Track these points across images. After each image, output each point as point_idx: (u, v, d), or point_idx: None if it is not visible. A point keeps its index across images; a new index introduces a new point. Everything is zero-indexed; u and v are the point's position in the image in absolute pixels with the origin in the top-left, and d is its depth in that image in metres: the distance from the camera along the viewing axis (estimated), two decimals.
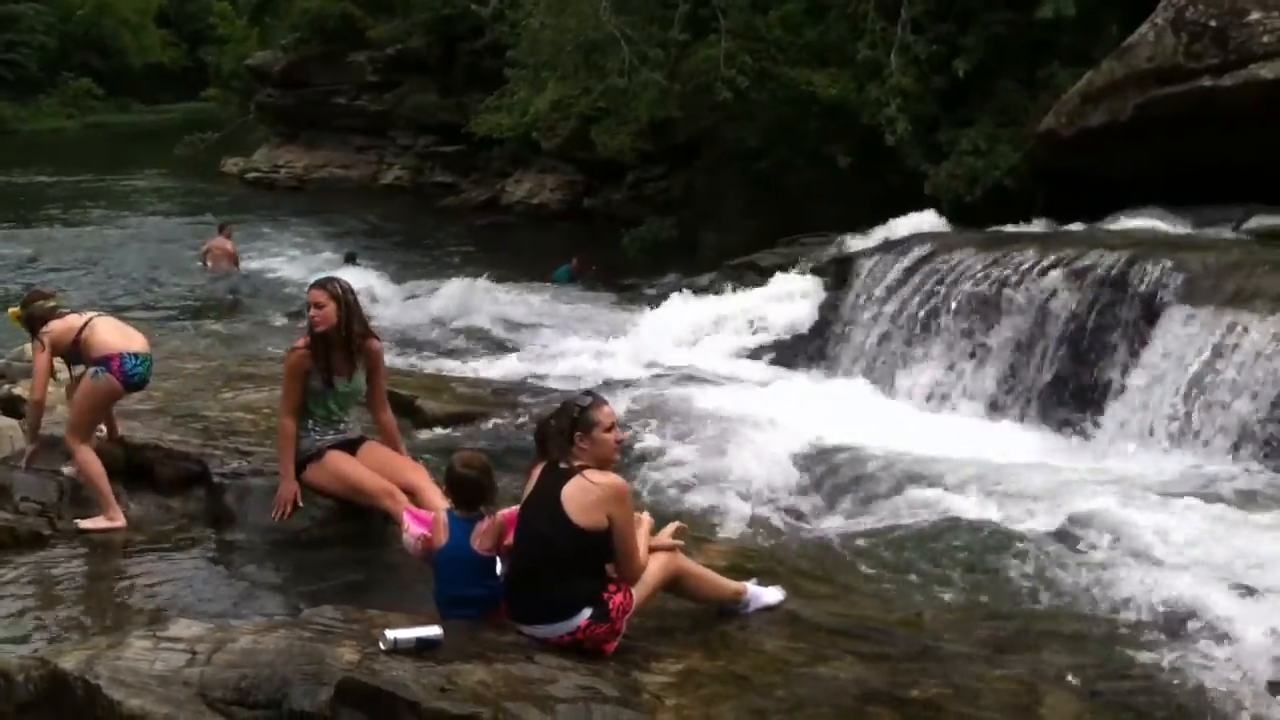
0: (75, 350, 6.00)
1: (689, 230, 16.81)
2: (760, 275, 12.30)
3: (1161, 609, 5.24)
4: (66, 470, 6.07)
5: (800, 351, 11.00)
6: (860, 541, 6.39)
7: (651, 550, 4.57)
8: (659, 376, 10.27)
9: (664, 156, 17.98)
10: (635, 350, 11.33)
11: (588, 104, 15.24)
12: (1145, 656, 4.78)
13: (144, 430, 6.53)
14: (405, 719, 3.69)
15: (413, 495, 5.56)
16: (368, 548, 5.70)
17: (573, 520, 4.26)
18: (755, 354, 11.22)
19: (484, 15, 19.67)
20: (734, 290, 12.27)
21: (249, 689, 3.80)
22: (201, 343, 11.63)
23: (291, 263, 17.92)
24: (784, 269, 12.12)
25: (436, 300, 14.33)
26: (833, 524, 6.77)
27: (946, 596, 5.61)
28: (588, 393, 4.92)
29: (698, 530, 6.00)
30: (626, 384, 9.94)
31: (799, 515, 6.91)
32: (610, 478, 4.37)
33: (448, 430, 8.16)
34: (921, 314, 9.89)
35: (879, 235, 11.75)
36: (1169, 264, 8.52)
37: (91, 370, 5.93)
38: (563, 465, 4.40)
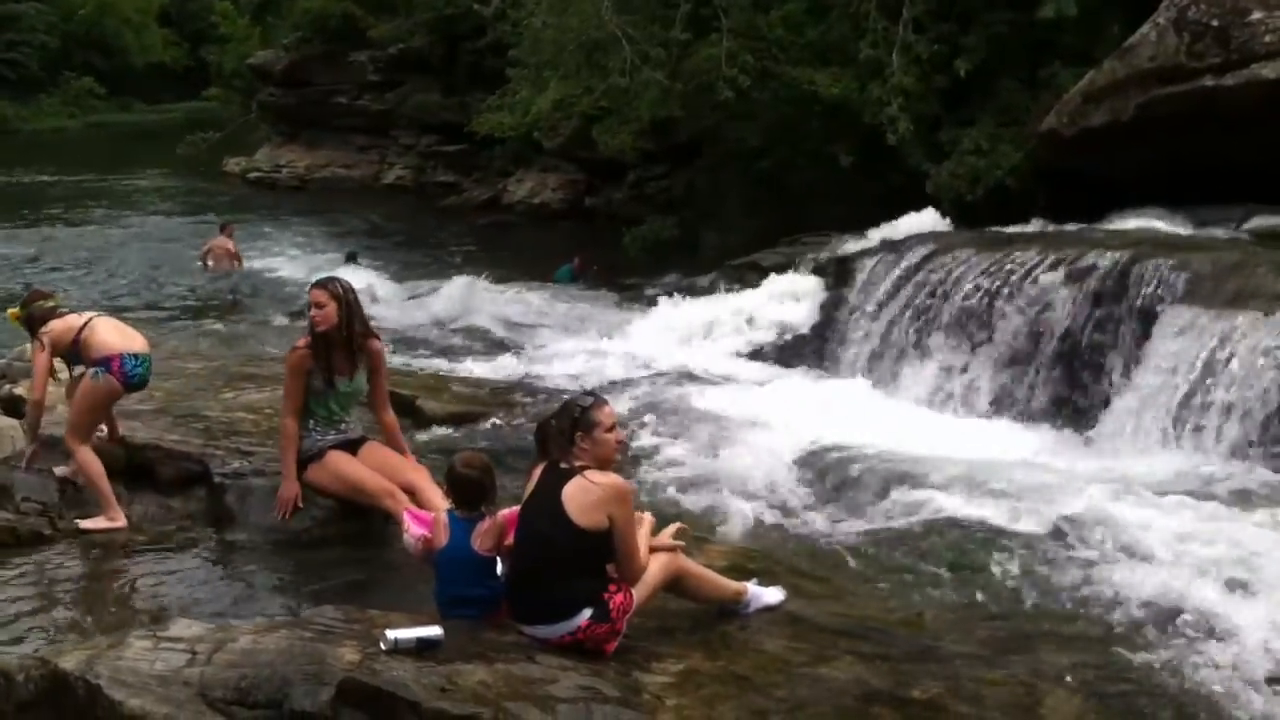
0: (75, 350, 6.00)
1: (690, 230, 16.79)
2: (761, 275, 12.27)
3: (1161, 609, 5.24)
4: (59, 471, 6.08)
5: (801, 351, 11.01)
6: (860, 542, 6.40)
7: (652, 550, 4.58)
8: (659, 376, 10.27)
9: (665, 156, 17.94)
10: (636, 350, 11.31)
11: (589, 103, 15.21)
12: (1145, 656, 4.79)
13: (145, 430, 6.54)
14: (406, 719, 3.70)
15: (413, 495, 5.57)
16: (368, 548, 5.71)
17: (573, 520, 4.26)
18: (756, 354, 11.22)
19: (486, 14, 19.62)
20: (735, 290, 12.26)
21: (249, 689, 3.80)
22: (202, 342, 11.60)
23: (292, 262, 17.89)
24: (785, 269, 12.10)
25: (437, 300, 14.27)
26: (833, 524, 6.76)
27: (947, 597, 5.61)
28: (589, 393, 4.93)
29: (698, 530, 6.00)
30: (627, 384, 9.95)
31: (800, 515, 6.90)
32: (611, 478, 4.37)
33: (448, 430, 8.17)
34: (923, 314, 9.90)
35: (880, 235, 11.74)
36: (1169, 264, 8.52)
37: (91, 371, 5.93)
38: (563, 465, 4.41)
